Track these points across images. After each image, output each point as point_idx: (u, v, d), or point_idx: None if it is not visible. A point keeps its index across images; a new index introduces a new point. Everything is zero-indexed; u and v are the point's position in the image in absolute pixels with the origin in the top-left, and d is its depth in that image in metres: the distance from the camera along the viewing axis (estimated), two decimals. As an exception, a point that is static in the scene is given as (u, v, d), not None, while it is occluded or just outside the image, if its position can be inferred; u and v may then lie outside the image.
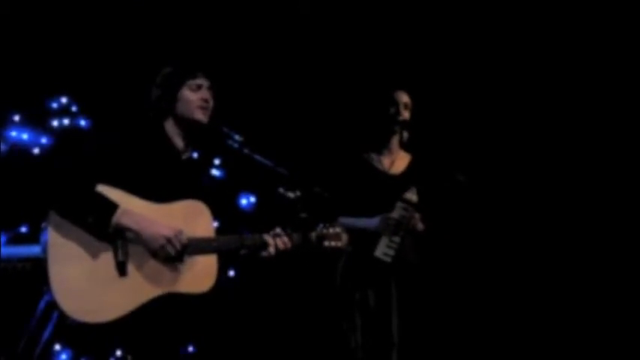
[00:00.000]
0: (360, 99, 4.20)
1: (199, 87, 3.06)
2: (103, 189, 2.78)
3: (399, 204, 3.79)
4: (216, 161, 5.19)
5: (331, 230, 3.22)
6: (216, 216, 3.03)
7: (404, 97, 4.00)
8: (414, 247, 3.91)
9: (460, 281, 5.09)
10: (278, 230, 3.13)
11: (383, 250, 3.77)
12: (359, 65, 5.25)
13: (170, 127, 3.07)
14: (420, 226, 3.87)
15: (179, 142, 3.07)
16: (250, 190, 5.29)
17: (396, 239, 3.79)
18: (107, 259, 2.75)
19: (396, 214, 3.79)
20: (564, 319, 5.02)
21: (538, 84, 5.21)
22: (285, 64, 5.29)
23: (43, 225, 2.73)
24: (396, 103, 3.96)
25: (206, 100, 3.05)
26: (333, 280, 3.93)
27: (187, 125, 3.06)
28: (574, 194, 5.14)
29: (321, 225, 3.22)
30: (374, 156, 4.02)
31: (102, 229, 2.73)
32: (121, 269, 2.75)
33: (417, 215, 3.84)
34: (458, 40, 5.26)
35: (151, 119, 3.07)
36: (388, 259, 3.77)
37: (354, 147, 4.06)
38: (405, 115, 3.98)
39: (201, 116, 3.04)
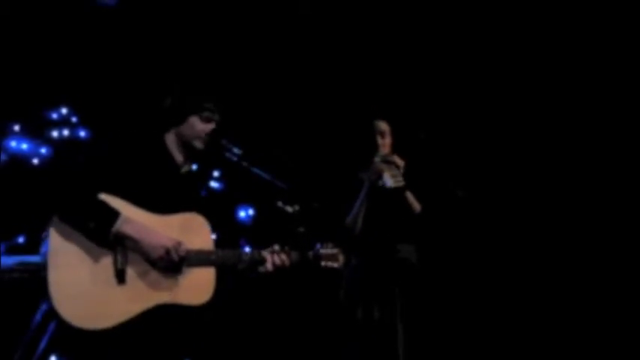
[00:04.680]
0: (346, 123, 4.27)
1: (209, 120, 3.10)
2: (105, 198, 2.79)
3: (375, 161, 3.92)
4: (216, 173, 5.20)
5: (329, 251, 3.25)
6: (214, 228, 3.04)
7: (382, 126, 4.06)
8: (415, 251, 3.95)
9: (462, 286, 5.10)
10: (276, 247, 3.15)
11: (391, 180, 3.85)
12: (357, 70, 5.26)
13: (170, 141, 3.11)
14: (398, 160, 3.94)
15: (178, 156, 3.11)
16: (249, 203, 5.30)
17: (394, 170, 3.87)
18: (106, 266, 2.76)
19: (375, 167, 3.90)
20: (569, 328, 5.02)
21: (534, 93, 5.24)
22: (285, 70, 5.30)
23: (43, 235, 2.74)
24: (375, 133, 4.04)
25: (209, 134, 3.09)
26: (337, 294, 3.95)
27: (185, 144, 3.10)
28: (573, 203, 5.15)
29: (319, 245, 3.25)
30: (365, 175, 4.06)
31: (103, 235, 2.74)
32: (120, 277, 2.76)
33: (394, 156, 3.95)
34: (458, 47, 5.28)
35: (153, 130, 3.10)
36: (402, 184, 3.85)
37: (349, 167, 4.11)
38: (386, 143, 4.04)
39: (199, 145, 3.09)
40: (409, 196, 3.94)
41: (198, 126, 3.08)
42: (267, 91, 5.30)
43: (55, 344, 2.76)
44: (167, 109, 3.11)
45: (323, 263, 3.23)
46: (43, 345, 2.76)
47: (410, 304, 3.85)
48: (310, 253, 3.22)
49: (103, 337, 2.71)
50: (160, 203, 2.90)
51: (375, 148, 4.04)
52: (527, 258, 5.14)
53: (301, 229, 3.21)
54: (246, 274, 3.12)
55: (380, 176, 3.87)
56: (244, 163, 3.21)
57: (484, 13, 5.18)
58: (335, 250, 3.26)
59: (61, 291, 2.67)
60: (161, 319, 2.84)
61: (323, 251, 3.24)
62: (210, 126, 3.10)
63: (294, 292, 5.06)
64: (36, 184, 2.83)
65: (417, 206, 3.96)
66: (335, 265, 3.25)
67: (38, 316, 2.78)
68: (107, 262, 2.77)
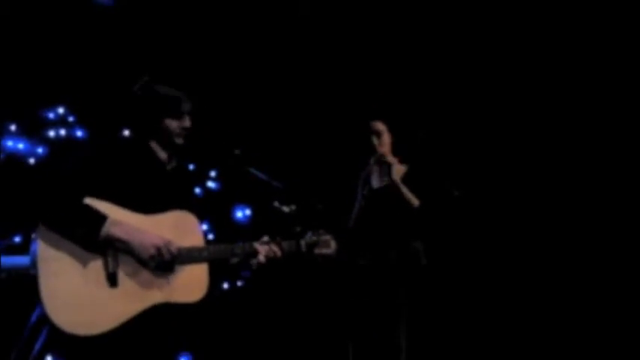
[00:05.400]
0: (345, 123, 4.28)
1: (182, 114, 3.04)
2: (91, 202, 2.77)
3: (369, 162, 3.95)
4: (212, 173, 5.19)
5: (321, 238, 3.23)
6: (211, 228, 3.03)
7: (377, 126, 4.07)
8: (424, 251, 3.96)
9: (464, 287, 5.10)
10: (266, 238, 3.13)
11: (377, 180, 3.89)
12: (356, 70, 5.26)
13: (152, 142, 3.06)
14: (391, 159, 3.94)
15: (162, 154, 3.07)
16: (246, 203, 5.29)
17: (384, 170, 3.90)
18: (97, 270, 2.75)
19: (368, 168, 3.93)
20: (575, 327, 5.02)
21: (530, 92, 5.24)
22: (285, 70, 5.30)
23: (34, 236, 2.73)
24: (370, 134, 4.05)
25: (186, 129, 3.04)
26: (343, 291, 3.96)
27: (166, 144, 3.06)
28: (572, 203, 5.15)
29: (310, 233, 3.23)
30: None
31: (91, 240, 2.72)
32: (112, 280, 2.75)
33: (388, 156, 3.95)
34: (455, 47, 5.27)
35: (135, 132, 3.08)
36: (385, 183, 3.88)
37: (349, 165, 4.12)
38: (383, 143, 4.04)
39: (179, 141, 3.04)
40: (404, 191, 3.93)
41: (172, 124, 3.01)
42: (266, 91, 5.30)
43: (50, 345, 2.75)
44: (136, 113, 3.04)
45: (316, 250, 3.21)
46: (39, 345, 2.75)
47: (415, 305, 3.86)
48: (302, 242, 3.20)
49: (99, 340, 2.71)
50: (148, 203, 2.88)
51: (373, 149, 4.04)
52: (526, 257, 5.14)
53: (298, 229, 3.20)
54: (239, 270, 3.12)
55: (370, 177, 3.90)
56: (241, 163, 3.20)
57: (482, 13, 5.18)
58: (327, 236, 3.24)
59: (54, 299, 2.66)
60: (157, 318, 2.83)
61: (315, 238, 3.21)
62: (185, 119, 3.04)
63: (298, 291, 5.06)
64: (23, 193, 2.80)
65: (414, 201, 3.95)
66: (328, 251, 3.22)
67: (34, 317, 2.77)
68: (98, 266, 2.76)
